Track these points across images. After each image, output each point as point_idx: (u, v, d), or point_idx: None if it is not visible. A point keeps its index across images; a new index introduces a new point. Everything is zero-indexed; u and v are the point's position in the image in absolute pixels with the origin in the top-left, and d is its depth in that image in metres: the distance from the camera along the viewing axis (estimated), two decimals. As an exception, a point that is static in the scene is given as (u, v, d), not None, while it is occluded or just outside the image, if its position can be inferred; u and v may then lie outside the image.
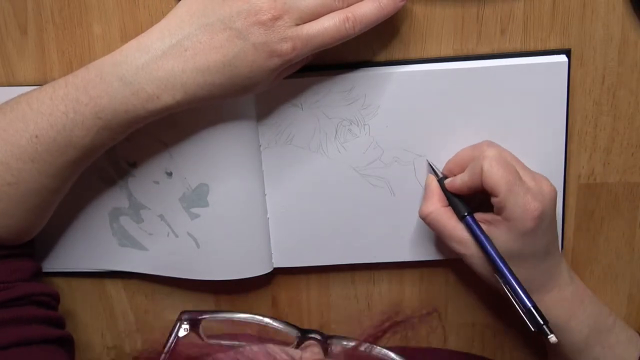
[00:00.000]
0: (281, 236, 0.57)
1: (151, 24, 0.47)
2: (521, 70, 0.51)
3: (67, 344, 0.53)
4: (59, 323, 0.54)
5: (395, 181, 0.55)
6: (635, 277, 0.58)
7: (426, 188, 0.53)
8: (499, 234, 0.49)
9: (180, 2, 0.47)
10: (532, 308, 0.47)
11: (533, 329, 0.46)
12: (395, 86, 0.52)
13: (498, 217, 0.48)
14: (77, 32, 0.54)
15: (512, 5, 0.51)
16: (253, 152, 0.54)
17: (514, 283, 0.48)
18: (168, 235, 0.57)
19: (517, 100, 0.52)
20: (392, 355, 0.44)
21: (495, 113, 0.52)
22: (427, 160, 0.54)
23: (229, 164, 0.54)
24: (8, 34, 0.55)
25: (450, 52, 0.53)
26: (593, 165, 0.55)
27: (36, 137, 0.46)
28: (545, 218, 0.48)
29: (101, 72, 0.46)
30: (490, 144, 0.51)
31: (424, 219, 0.52)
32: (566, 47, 0.52)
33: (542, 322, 0.46)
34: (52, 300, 0.54)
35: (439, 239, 0.56)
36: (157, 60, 0.45)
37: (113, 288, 0.62)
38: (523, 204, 0.47)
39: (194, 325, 0.47)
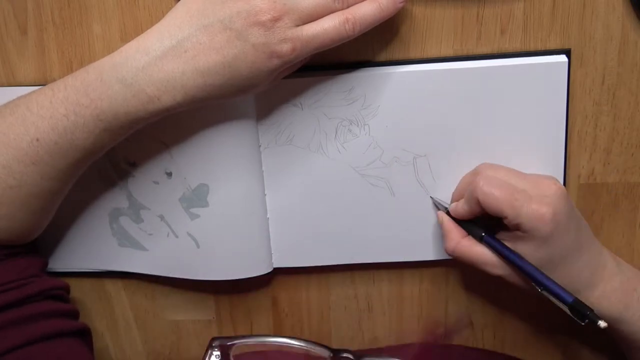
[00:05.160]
0: (281, 236, 0.57)
1: (151, 24, 0.47)
2: (521, 70, 0.51)
3: (86, 335, 0.54)
4: (75, 315, 0.54)
5: (395, 181, 0.55)
6: (635, 277, 0.58)
7: (441, 226, 0.53)
8: (525, 247, 0.48)
9: (179, 2, 0.47)
10: (574, 300, 0.46)
11: (582, 323, 0.45)
12: (395, 86, 0.52)
13: (518, 232, 0.48)
14: (77, 32, 0.54)
15: (512, 5, 0.51)
16: (253, 152, 0.54)
17: (548, 282, 0.47)
18: (168, 236, 0.57)
19: (517, 100, 0.52)
20: None
21: (495, 113, 0.52)
22: (431, 197, 0.55)
23: (229, 164, 0.54)
24: (8, 34, 0.55)
25: (450, 52, 0.53)
26: (593, 165, 0.55)
27: (37, 140, 0.46)
28: (560, 218, 0.47)
29: (101, 74, 0.46)
30: (482, 168, 0.51)
31: (451, 255, 0.52)
32: (566, 47, 0.52)
33: (587, 312, 0.45)
34: (65, 292, 0.54)
35: (439, 239, 0.56)
36: (157, 62, 0.45)
37: (113, 288, 0.62)
38: (532, 214, 0.47)
39: (225, 351, 0.48)
